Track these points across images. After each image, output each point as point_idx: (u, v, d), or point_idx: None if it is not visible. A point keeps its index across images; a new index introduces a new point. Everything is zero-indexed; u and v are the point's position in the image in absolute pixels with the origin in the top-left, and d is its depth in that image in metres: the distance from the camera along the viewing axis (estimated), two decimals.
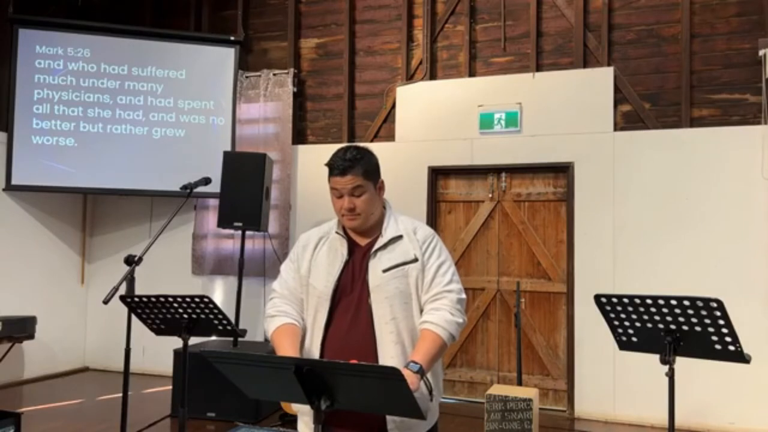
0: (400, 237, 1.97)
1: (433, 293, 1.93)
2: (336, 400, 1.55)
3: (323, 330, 1.92)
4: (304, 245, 2.09)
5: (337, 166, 1.95)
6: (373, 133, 5.76)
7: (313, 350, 1.93)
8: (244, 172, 5.06)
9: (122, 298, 2.98)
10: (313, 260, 2.02)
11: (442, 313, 1.89)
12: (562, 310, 5.09)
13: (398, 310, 1.90)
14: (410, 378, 1.72)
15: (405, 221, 2.03)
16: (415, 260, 1.94)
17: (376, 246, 1.96)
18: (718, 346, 2.07)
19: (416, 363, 1.79)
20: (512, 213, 5.33)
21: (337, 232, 2.04)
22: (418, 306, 1.93)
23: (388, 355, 1.87)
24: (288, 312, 2.00)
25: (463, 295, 1.96)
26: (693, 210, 4.76)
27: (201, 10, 6.38)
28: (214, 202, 5.88)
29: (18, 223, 5.74)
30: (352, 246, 2.01)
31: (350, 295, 1.93)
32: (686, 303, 2.03)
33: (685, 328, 2.07)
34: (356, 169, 1.93)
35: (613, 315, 2.23)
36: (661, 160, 4.86)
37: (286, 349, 1.88)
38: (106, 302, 3.05)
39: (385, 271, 1.92)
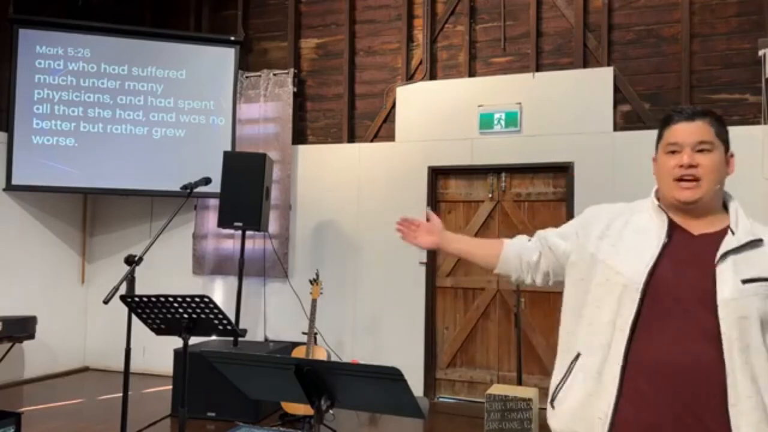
0: (760, 242, 1.48)
1: None
2: (336, 400, 1.56)
3: (629, 331, 1.47)
4: (593, 217, 1.65)
5: (683, 111, 1.54)
6: (373, 133, 5.76)
7: (604, 351, 1.49)
8: (244, 172, 5.06)
9: (122, 298, 2.98)
10: (608, 235, 1.58)
11: None
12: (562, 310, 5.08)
13: (755, 338, 1.40)
14: None
15: (755, 224, 1.55)
16: None
17: (729, 246, 1.46)
18: None
19: None
20: (512, 213, 5.33)
21: (657, 205, 1.58)
22: None
23: (744, 394, 1.38)
24: (511, 240, 1.79)
25: None
26: None
27: (201, 10, 6.38)
28: (214, 202, 5.88)
29: (18, 223, 5.74)
30: (673, 229, 1.53)
31: (675, 295, 1.45)
32: None
33: None
34: (708, 118, 1.51)
35: None
36: None
37: (467, 240, 1.85)
38: (106, 302, 3.05)
39: (745, 282, 1.42)
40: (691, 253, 1.48)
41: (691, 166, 1.49)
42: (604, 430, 1.43)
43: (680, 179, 1.50)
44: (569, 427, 1.52)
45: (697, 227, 1.53)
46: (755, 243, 1.47)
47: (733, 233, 1.48)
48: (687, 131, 1.50)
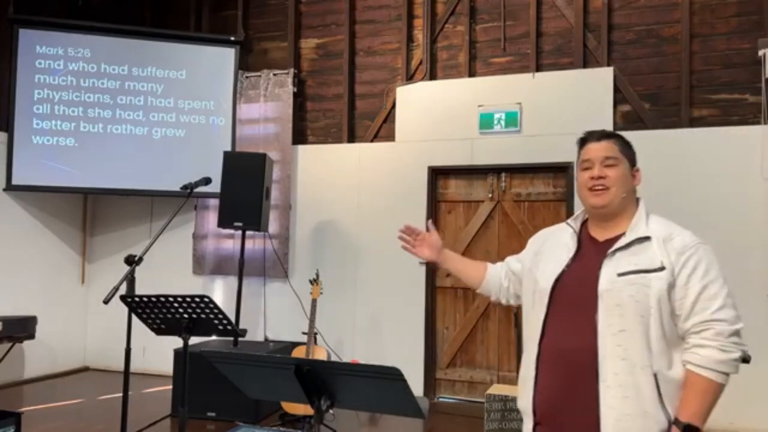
0: (647, 239, 1.71)
1: (695, 322, 1.62)
2: (336, 400, 1.56)
3: (541, 328, 1.77)
4: (535, 238, 2.00)
5: (593, 134, 1.86)
6: (373, 133, 5.76)
7: (530, 345, 1.82)
8: (244, 172, 5.06)
9: (122, 298, 2.98)
10: (540, 252, 1.90)
11: (708, 351, 1.59)
12: None
13: (631, 323, 1.63)
14: None
15: (660, 224, 1.77)
16: (662, 269, 1.64)
17: (617, 245, 1.72)
18: None
19: (681, 422, 1.57)
20: (512, 213, 5.33)
21: (567, 223, 1.90)
22: (659, 325, 1.63)
23: (611, 371, 1.63)
24: (493, 265, 2.13)
25: (739, 325, 1.63)
26: (692, 210, 4.76)
27: (201, 10, 6.38)
28: (214, 202, 5.88)
29: (18, 223, 5.74)
30: (584, 239, 1.83)
31: (573, 294, 1.73)
32: None
33: None
34: (613, 139, 1.84)
35: None
36: (661, 160, 4.86)
37: (460, 260, 2.19)
38: (106, 302, 3.05)
39: (621, 275, 1.66)
40: (593, 256, 1.75)
41: (600, 177, 1.77)
42: (530, 402, 1.81)
43: (592, 188, 1.78)
44: (518, 401, 1.94)
45: (604, 234, 1.80)
46: (641, 240, 1.71)
47: (625, 234, 1.74)
48: (596, 149, 1.81)
